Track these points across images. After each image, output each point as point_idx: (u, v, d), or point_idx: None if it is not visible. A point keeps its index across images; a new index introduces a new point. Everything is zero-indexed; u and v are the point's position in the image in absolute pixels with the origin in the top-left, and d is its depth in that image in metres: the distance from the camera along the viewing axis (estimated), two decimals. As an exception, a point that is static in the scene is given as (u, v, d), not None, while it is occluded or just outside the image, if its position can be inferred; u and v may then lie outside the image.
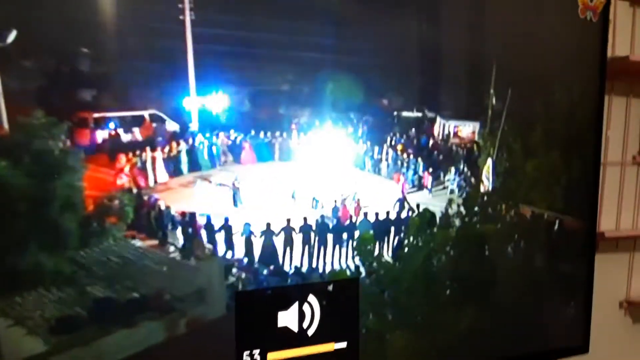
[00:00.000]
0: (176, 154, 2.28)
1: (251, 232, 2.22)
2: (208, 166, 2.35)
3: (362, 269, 2.32)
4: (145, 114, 2.16)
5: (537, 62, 2.60)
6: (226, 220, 2.20)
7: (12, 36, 1.71)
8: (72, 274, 1.86)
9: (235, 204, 2.30)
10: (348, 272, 2.32)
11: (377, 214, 2.40)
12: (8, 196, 1.75)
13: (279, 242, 2.26)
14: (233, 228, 2.20)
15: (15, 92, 1.78)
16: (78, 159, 1.88)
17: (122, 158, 2.08)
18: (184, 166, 2.31)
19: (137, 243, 2.03)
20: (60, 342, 1.80)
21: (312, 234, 2.31)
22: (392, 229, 2.42)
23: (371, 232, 2.36)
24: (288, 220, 2.27)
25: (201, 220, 2.17)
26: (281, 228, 2.26)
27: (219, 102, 2.18)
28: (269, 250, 2.25)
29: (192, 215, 2.16)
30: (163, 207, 2.16)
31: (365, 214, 2.39)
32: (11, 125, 1.78)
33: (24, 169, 1.78)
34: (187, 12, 2.06)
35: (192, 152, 2.31)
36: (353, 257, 2.32)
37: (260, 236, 2.23)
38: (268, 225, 2.24)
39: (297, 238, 2.29)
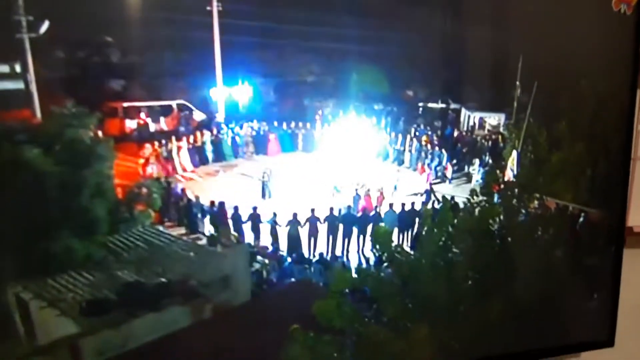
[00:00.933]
0: (201, 145, 2.32)
1: (276, 222, 2.25)
2: (233, 156, 2.38)
3: (383, 259, 2.32)
4: (174, 104, 2.21)
5: (567, 55, 2.57)
6: (254, 209, 2.23)
7: (44, 27, 1.76)
8: (102, 258, 1.91)
9: (263, 196, 2.33)
10: (364, 265, 2.34)
11: (403, 205, 2.40)
12: (41, 183, 1.80)
13: (303, 231, 2.29)
14: (260, 217, 2.23)
15: (47, 83, 1.83)
16: (108, 148, 1.92)
17: (150, 147, 2.14)
18: (210, 155, 2.35)
19: (165, 230, 2.08)
20: (91, 324, 1.85)
21: (337, 224, 2.33)
22: (417, 219, 2.42)
23: (387, 225, 2.35)
24: (312, 210, 2.29)
25: (229, 209, 2.20)
26: (306, 218, 2.28)
27: (244, 92, 2.22)
28: (294, 239, 2.27)
29: (220, 204, 2.20)
30: (190, 196, 2.20)
31: (391, 205, 2.40)
32: (44, 114, 1.83)
33: (56, 157, 1.83)
34: (215, 3, 2.09)
35: (217, 142, 2.35)
36: (373, 247, 2.32)
37: (286, 225, 2.26)
38: (295, 215, 2.26)
39: (322, 228, 2.31)
